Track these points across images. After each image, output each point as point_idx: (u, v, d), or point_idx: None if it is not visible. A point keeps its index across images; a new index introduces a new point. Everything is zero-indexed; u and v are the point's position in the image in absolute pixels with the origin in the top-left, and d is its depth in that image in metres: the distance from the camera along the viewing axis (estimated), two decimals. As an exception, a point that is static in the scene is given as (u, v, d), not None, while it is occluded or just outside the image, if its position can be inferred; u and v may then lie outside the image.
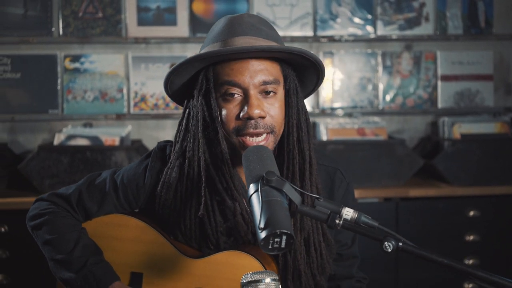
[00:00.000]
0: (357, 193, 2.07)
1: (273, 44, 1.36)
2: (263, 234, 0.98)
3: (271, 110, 1.35)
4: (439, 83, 3.15)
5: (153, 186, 1.47)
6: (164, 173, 1.44)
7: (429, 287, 2.77)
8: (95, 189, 1.50)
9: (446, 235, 2.77)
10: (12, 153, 2.97)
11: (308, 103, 3.05)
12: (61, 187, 1.60)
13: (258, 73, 1.33)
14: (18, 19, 2.97)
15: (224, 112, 1.35)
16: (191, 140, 1.39)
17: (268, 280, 1.03)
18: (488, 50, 3.18)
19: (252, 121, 1.32)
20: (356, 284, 1.56)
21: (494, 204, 2.80)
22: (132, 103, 3.02)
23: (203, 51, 1.38)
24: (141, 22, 3.02)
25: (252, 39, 1.34)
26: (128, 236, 1.49)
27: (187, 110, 1.43)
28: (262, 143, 1.33)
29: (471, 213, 2.77)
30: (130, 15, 3.01)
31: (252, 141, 1.34)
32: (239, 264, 1.37)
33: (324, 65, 1.42)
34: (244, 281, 1.03)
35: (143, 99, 3.03)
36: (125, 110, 3.02)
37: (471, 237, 2.77)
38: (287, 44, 1.45)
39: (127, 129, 2.91)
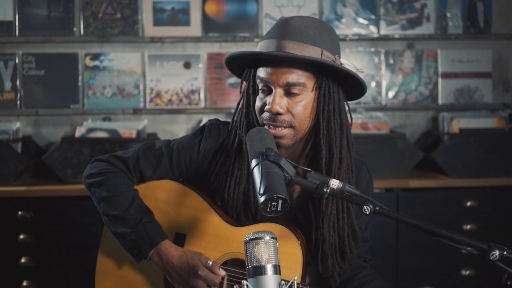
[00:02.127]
0: (359, 184, 2.19)
1: (310, 48, 1.44)
2: (262, 199, 1.15)
3: (293, 108, 1.47)
4: (440, 80, 3.25)
5: (205, 160, 1.61)
6: (225, 145, 1.58)
7: (427, 274, 2.86)
8: (151, 155, 1.62)
9: (444, 224, 2.80)
10: (36, 145, 3.11)
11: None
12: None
13: (284, 74, 1.45)
14: (42, 20, 3.10)
15: (256, 102, 1.52)
16: (240, 120, 1.57)
17: (267, 237, 1.14)
18: (487, 49, 3.26)
19: (272, 115, 1.47)
20: (363, 264, 1.72)
21: (491, 195, 2.89)
22: (148, 99, 3.16)
23: (259, 45, 1.54)
24: (157, 22, 3.15)
25: (291, 43, 1.45)
26: (175, 200, 1.61)
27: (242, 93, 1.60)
28: (280, 133, 1.47)
29: (468, 203, 2.86)
30: (146, 16, 3.14)
31: (273, 130, 1.47)
32: (276, 235, 1.50)
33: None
34: (247, 239, 1.15)
35: (158, 95, 3.17)
36: (141, 105, 3.16)
37: (468, 226, 2.87)
38: None
39: (143, 123, 3.04)
